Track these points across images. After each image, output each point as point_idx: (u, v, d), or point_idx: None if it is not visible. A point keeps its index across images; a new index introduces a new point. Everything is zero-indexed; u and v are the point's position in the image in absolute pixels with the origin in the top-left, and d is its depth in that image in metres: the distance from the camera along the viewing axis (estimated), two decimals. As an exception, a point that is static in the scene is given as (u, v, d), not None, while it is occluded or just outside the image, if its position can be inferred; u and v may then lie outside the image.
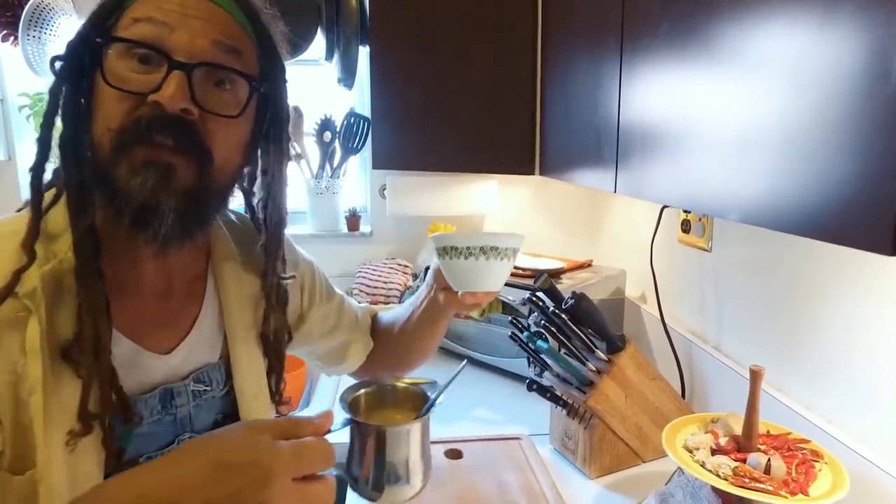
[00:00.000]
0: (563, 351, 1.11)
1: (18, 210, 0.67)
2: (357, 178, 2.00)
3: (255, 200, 0.78)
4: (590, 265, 1.66)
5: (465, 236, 0.76)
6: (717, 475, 0.79)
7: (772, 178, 0.51)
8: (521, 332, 1.16)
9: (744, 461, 0.80)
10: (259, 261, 0.76)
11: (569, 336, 1.10)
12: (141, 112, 0.58)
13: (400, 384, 0.74)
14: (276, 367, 0.80)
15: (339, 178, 1.88)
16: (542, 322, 1.08)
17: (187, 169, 0.61)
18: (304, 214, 1.93)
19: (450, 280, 0.79)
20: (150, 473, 0.49)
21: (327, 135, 1.84)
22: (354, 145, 1.85)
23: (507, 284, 0.94)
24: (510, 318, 1.21)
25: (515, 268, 1.54)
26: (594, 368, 1.10)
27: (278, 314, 0.79)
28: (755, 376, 0.83)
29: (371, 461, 0.64)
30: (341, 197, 1.91)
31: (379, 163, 1.53)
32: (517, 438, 1.21)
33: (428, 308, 0.89)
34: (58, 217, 0.62)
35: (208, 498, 0.46)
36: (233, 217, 0.83)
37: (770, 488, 0.75)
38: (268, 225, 0.74)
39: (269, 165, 0.72)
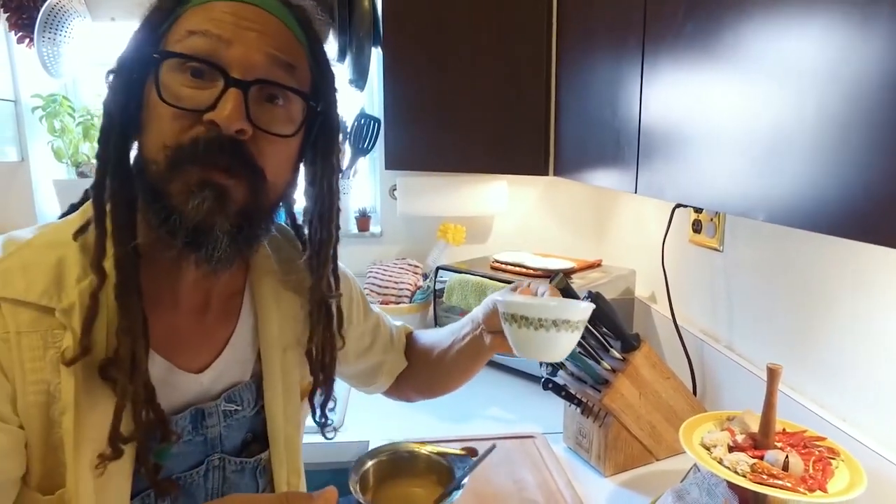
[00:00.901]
0: (578, 350, 1.12)
1: (62, 215, 0.66)
2: (367, 179, 2.02)
3: (299, 212, 0.75)
4: (599, 265, 1.68)
5: (536, 305, 0.73)
6: (736, 472, 0.79)
7: (804, 178, 0.52)
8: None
9: (761, 458, 0.81)
10: (302, 276, 0.73)
11: (584, 335, 1.11)
12: (197, 132, 0.57)
13: (423, 451, 0.65)
14: (322, 384, 0.76)
15: (349, 178, 1.89)
16: (558, 321, 1.08)
17: (241, 190, 0.59)
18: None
19: (514, 345, 0.77)
20: None
21: (338, 136, 1.85)
22: (365, 146, 1.86)
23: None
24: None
25: (527, 268, 1.57)
26: (609, 367, 1.11)
27: (326, 330, 0.75)
28: (773, 374, 0.84)
29: None
30: (351, 197, 1.92)
31: (391, 163, 1.53)
32: (531, 437, 1.22)
33: (471, 344, 0.86)
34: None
35: None
36: (273, 229, 0.79)
37: (789, 485, 0.76)
38: (313, 240, 0.71)
39: (317, 178, 0.69)
